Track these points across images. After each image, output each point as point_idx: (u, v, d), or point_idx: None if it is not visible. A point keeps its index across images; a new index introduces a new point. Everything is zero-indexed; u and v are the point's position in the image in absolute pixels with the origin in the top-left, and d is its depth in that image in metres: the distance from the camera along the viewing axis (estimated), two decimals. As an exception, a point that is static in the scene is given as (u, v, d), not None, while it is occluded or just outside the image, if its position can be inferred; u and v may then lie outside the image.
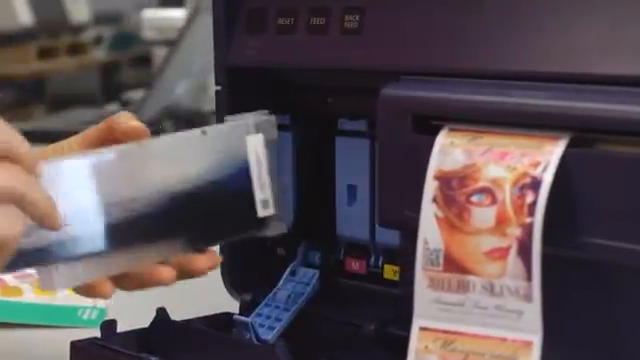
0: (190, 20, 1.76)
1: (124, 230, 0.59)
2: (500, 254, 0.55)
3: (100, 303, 0.88)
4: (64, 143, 0.68)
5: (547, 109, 0.56)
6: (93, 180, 0.58)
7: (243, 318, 0.70)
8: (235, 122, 0.66)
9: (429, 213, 0.58)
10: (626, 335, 0.55)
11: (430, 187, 0.58)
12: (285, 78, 0.75)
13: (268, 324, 0.72)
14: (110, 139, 0.64)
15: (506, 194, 0.55)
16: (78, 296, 0.63)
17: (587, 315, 0.56)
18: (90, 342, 0.66)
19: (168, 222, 0.61)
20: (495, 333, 0.55)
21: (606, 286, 0.56)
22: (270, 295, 0.74)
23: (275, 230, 0.67)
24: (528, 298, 0.54)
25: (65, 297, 0.83)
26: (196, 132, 0.64)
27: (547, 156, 0.55)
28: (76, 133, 2.08)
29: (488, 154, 0.57)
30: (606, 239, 0.54)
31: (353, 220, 0.73)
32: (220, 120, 0.76)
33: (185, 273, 0.63)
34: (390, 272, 0.73)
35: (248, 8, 0.73)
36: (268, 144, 0.66)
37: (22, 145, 0.53)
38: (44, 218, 0.53)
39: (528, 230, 0.54)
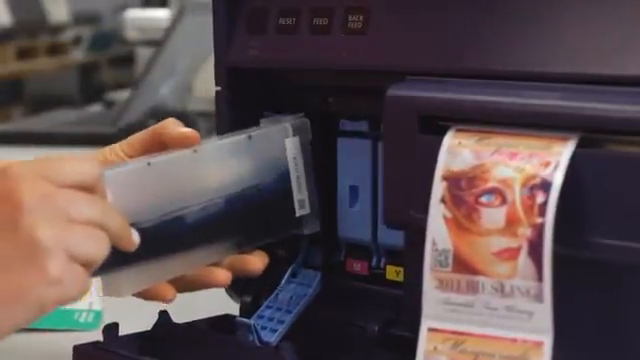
0: (176, 20, 1.75)
1: (181, 234, 0.62)
2: (510, 254, 0.55)
3: (96, 306, 0.87)
4: (107, 151, 0.69)
5: (556, 109, 0.56)
6: (153, 186, 0.60)
7: (245, 320, 0.70)
8: (275, 126, 0.69)
9: (437, 214, 0.57)
10: (636, 335, 0.55)
11: (438, 188, 0.58)
12: (286, 78, 0.74)
13: (270, 326, 0.71)
14: (156, 146, 0.66)
15: (516, 194, 0.55)
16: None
17: (596, 315, 0.56)
18: (92, 345, 0.66)
19: (219, 225, 0.64)
20: (505, 334, 0.55)
21: (616, 286, 0.56)
22: (271, 297, 0.74)
23: (310, 228, 0.71)
24: (539, 298, 0.54)
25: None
26: (242, 137, 0.68)
27: (556, 156, 0.55)
28: (60, 134, 2.05)
29: (497, 154, 0.57)
30: (615, 239, 0.54)
31: (355, 221, 0.73)
32: (220, 121, 0.76)
33: (239, 273, 0.67)
34: (393, 273, 0.72)
35: (249, 8, 0.73)
36: (304, 145, 0.70)
37: (96, 173, 0.56)
38: (119, 241, 0.56)
39: (539, 230, 0.54)
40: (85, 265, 0.53)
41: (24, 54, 4.47)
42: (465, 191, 0.57)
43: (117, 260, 0.56)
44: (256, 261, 0.67)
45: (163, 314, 0.69)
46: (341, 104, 0.73)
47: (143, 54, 2.45)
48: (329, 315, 0.72)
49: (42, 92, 4.53)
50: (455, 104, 0.59)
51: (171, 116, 2.11)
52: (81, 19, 4.92)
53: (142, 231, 0.58)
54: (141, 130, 1.96)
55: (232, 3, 0.73)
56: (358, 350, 0.69)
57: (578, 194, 0.55)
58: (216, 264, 0.66)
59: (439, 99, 0.60)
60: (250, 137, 0.67)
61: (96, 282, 0.60)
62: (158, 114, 1.88)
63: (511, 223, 0.55)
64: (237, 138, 0.68)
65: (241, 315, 0.75)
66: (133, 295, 0.64)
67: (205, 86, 2.09)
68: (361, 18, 0.67)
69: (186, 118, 1.86)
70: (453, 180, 0.57)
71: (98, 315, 0.86)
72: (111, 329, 0.66)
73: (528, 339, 0.54)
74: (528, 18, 0.61)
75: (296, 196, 0.69)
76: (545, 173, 0.54)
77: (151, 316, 0.73)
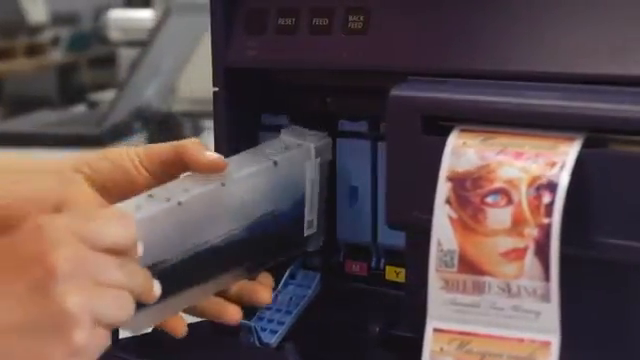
0: (161, 21, 1.74)
1: (199, 268, 0.61)
2: (517, 255, 0.55)
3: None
4: (122, 153, 0.66)
5: (561, 109, 0.56)
6: (180, 224, 0.60)
7: (246, 322, 0.69)
8: (298, 149, 0.68)
9: (442, 214, 0.57)
10: (642, 334, 0.56)
11: (443, 188, 0.58)
12: (284, 79, 0.74)
13: (270, 327, 0.71)
14: (177, 165, 0.64)
15: (522, 195, 0.55)
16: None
17: (602, 315, 0.56)
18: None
19: (235, 253, 0.64)
20: (512, 334, 0.55)
21: (622, 286, 0.56)
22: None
23: (314, 245, 0.71)
24: (546, 298, 0.54)
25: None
26: (268, 163, 0.66)
27: (562, 156, 0.55)
28: (45, 135, 2.03)
29: (502, 155, 0.56)
30: (621, 239, 0.54)
31: (354, 222, 0.73)
32: (217, 122, 0.75)
33: (247, 303, 0.67)
34: (392, 273, 0.72)
35: (246, 8, 0.72)
36: (322, 166, 0.70)
37: (133, 238, 0.55)
38: (142, 297, 0.56)
39: (546, 230, 0.54)
40: (108, 326, 0.53)
41: (2, 55, 4.43)
42: (470, 191, 0.57)
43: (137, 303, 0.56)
44: (264, 291, 0.67)
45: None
46: (340, 104, 0.73)
47: (125, 55, 2.43)
48: (329, 316, 0.72)
49: (20, 93, 4.50)
50: (460, 104, 0.59)
51: (156, 117, 2.08)
52: (59, 19, 4.89)
53: (164, 270, 0.58)
54: (125, 131, 1.94)
55: (230, 4, 0.73)
56: (359, 351, 0.69)
57: (583, 194, 0.55)
58: (224, 293, 0.66)
59: (443, 99, 0.60)
60: (276, 163, 0.66)
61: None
62: (143, 115, 1.87)
63: (517, 223, 0.55)
64: (264, 166, 0.66)
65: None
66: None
67: (189, 87, 2.09)
68: (362, 18, 0.67)
69: (171, 119, 1.86)
70: (458, 181, 0.57)
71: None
72: (112, 332, 0.65)
73: (535, 339, 0.55)
74: (530, 18, 0.61)
75: (307, 217, 0.69)
76: (551, 173, 0.54)
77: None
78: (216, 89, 0.74)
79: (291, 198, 0.67)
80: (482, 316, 0.56)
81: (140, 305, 0.56)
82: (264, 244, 0.66)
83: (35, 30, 4.69)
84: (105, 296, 0.53)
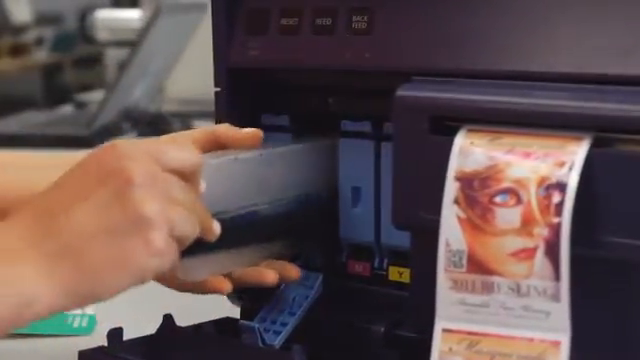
0: (150, 21, 1.73)
1: (250, 229, 0.66)
2: (526, 255, 0.55)
3: (89, 310, 0.86)
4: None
5: (569, 109, 0.56)
6: (235, 180, 0.65)
7: (249, 323, 0.69)
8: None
9: (451, 214, 0.57)
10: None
11: (451, 188, 0.58)
12: (286, 79, 0.74)
13: (273, 328, 0.71)
14: (212, 144, 0.69)
15: (531, 194, 0.55)
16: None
17: (612, 315, 0.57)
18: (98, 351, 0.65)
19: (279, 224, 0.68)
20: (522, 333, 0.55)
21: (631, 285, 0.56)
22: (273, 299, 0.73)
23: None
24: (556, 298, 0.54)
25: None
26: (300, 146, 0.71)
27: (571, 156, 0.55)
28: (30, 136, 2.01)
29: (510, 154, 0.57)
30: (629, 238, 0.54)
31: (357, 222, 0.72)
32: (220, 122, 0.75)
33: (280, 278, 0.70)
34: (395, 274, 0.72)
35: (248, 8, 0.72)
36: None
37: (198, 163, 0.60)
38: (203, 229, 0.59)
39: (556, 230, 0.54)
40: (179, 242, 0.57)
41: (-14, 55, 4.41)
42: (479, 191, 0.57)
43: (196, 246, 0.59)
44: (294, 269, 0.70)
45: (167, 318, 0.68)
46: (343, 105, 0.72)
47: (112, 55, 2.42)
48: (332, 317, 0.72)
49: (4, 93, 4.48)
50: (468, 105, 0.59)
51: (145, 117, 2.07)
52: (43, 19, 4.87)
53: (222, 221, 0.62)
54: (114, 132, 1.93)
55: (231, 3, 0.73)
56: (364, 351, 0.69)
57: (591, 193, 0.55)
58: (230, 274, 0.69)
59: (451, 99, 0.60)
60: (315, 145, 0.71)
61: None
62: (132, 115, 1.86)
63: (527, 223, 0.55)
64: (297, 147, 0.71)
65: (242, 318, 0.74)
66: (186, 290, 0.69)
67: (178, 87, 2.08)
68: (365, 18, 0.67)
69: (161, 119, 1.85)
70: (466, 180, 0.57)
71: (92, 320, 0.85)
72: (115, 334, 0.65)
73: (545, 339, 0.55)
74: (537, 17, 0.61)
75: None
76: (561, 173, 0.54)
77: (145, 319, 0.72)
78: (218, 89, 0.74)
79: (325, 186, 0.71)
80: (491, 316, 0.56)
81: (200, 251, 0.60)
82: (298, 226, 0.70)
83: (19, 30, 4.66)
84: (178, 211, 0.57)
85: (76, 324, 0.84)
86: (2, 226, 0.57)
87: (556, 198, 0.54)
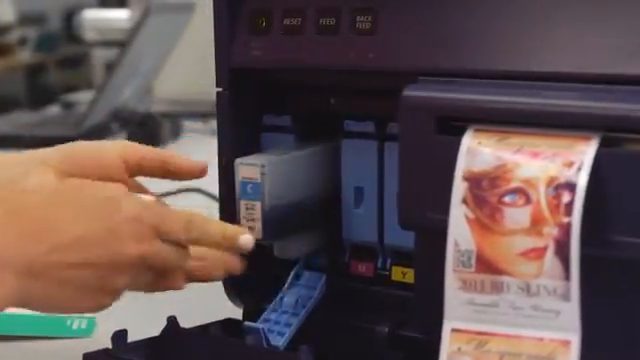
0: (140, 21, 1.72)
1: (310, 214, 0.73)
2: (536, 254, 0.55)
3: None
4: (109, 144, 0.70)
5: (577, 109, 0.56)
6: (292, 174, 0.72)
7: (254, 324, 0.69)
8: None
9: (459, 214, 0.57)
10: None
11: (459, 188, 0.58)
12: (289, 79, 0.74)
13: (277, 329, 0.71)
14: (156, 167, 0.70)
15: (540, 194, 0.55)
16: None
17: (622, 314, 0.57)
18: (103, 354, 0.64)
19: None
20: (532, 333, 0.55)
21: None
22: (276, 300, 0.73)
23: None
24: (566, 297, 0.54)
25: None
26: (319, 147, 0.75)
27: (580, 156, 0.55)
28: (20, 137, 1.99)
29: (519, 154, 0.57)
30: (638, 237, 0.54)
31: (360, 222, 0.72)
32: (222, 122, 0.75)
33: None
34: (399, 274, 0.72)
35: (250, 9, 0.72)
36: None
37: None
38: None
39: (566, 230, 0.54)
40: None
41: (-31, 55, 4.38)
42: (487, 191, 0.57)
43: (284, 231, 0.70)
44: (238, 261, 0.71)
45: (171, 319, 0.68)
46: (346, 105, 0.72)
47: (100, 55, 2.41)
48: (336, 317, 0.72)
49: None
50: (476, 105, 0.59)
51: (135, 118, 2.06)
52: (27, 20, 4.84)
53: (296, 204, 0.71)
54: (104, 132, 1.93)
55: (233, 3, 0.72)
56: (368, 352, 0.69)
57: (600, 193, 0.55)
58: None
59: (458, 100, 0.59)
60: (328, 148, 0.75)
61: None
62: (121, 116, 1.85)
63: (536, 223, 0.55)
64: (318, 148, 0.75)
65: (244, 319, 0.74)
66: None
67: (166, 87, 2.07)
68: (369, 18, 0.66)
69: (150, 120, 1.85)
70: (474, 180, 0.57)
71: (91, 322, 0.84)
72: (120, 336, 0.64)
73: (555, 338, 0.55)
74: (543, 17, 0.61)
75: None
76: (570, 173, 0.54)
77: (146, 322, 0.72)
78: (220, 89, 0.74)
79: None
80: (501, 316, 0.56)
81: (291, 233, 0.71)
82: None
83: (2, 30, 4.63)
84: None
85: (75, 326, 0.84)
86: None
87: (566, 198, 0.54)
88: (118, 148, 0.68)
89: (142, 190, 0.69)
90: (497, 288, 0.56)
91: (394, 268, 0.72)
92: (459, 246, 0.57)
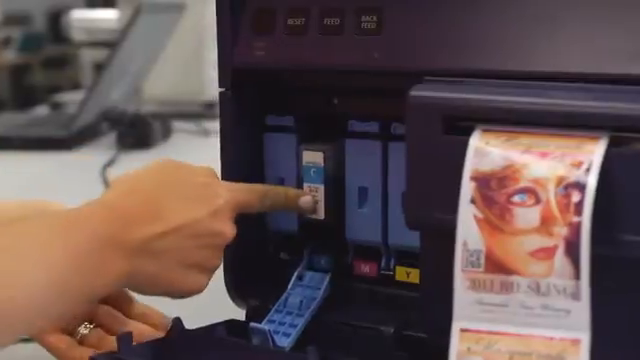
0: (130, 21, 1.72)
1: None
2: (546, 254, 0.55)
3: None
4: None
5: (586, 109, 0.56)
6: None
7: (260, 325, 0.69)
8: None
9: (468, 214, 0.57)
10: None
11: (467, 188, 0.58)
12: (292, 79, 0.74)
13: (283, 330, 0.70)
14: None
15: (550, 194, 0.55)
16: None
17: (631, 313, 0.57)
18: (108, 356, 0.64)
19: None
20: (542, 332, 0.55)
21: (648, 283, 0.56)
22: (280, 301, 0.73)
23: None
24: (576, 296, 0.54)
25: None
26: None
27: (589, 155, 0.55)
28: (9, 138, 1.97)
29: (527, 154, 0.57)
30: (647, 236, 0.55)
31: (364, 222, 0.72)
32: (224, 123, 0.74)
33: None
34: (403, 274, 0.72)
35: (254, 8, 0.72)
36: None
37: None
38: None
39: (576, 229, 0.54)
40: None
41: (-47, 56, 4.35)
42: (496, 191, 0.57)
43: None
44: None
45: (177, 321, 0.68)
46: (349, 105, 0.72)
47: (88, 55, 2.40)
48: (340, 318, 0.72)
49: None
50: (484, 105, 0.59)
51: (124, 118, 2.05)
52: (11, 20, 4.81)
53: None
54: (94, 133, 1.92)
55: (236, 3, 0.72)
56: (373, 352, 0.69)
57: (609, 192, 0.55)
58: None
59: (466, 100, 0.59)
60: None
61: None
62: (111, 117, 1.85)
63: (546, 222, 0.55)
64: None
65: (247, 320, 0.74)
66: None
67: (155, 87, 2.07)
68: (374, 18, 0.66)
69: (140, 120, 1.84)
70: (483, 180, 0.57)
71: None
72: (125, 338, 0.64)
73: (565, 337, 0.55)
74: (550, 17, 0.61)
75: None
76: (579, 173, 0.55)
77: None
78: (222, 89, 0.73)
79: None
80: (510, 315, 0.56)
81: None
82: None
83: (-14, 31, 4.61)
84: None
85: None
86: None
87: (575, 197, 0.54)
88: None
89: None
90: (507, 288, 0.56)
91: (398, 268, 0.72)
92: (468, 246, 0.57)
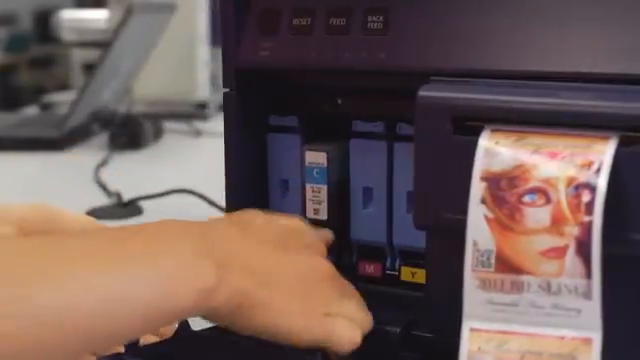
0: (122, 21, 1.71)
1: None
2: (557, 253, 0.55)
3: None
4: None
5: (597, 109, 0.56)
6: None
7: (265, 325, 0.68)
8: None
9: (478, 214, 0.57)
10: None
11: (478, 188, 0.58)
12: (297, 79, 0.73)
13: (288, 331, 0.70)
14: None
15: (560, 194, 0.55)
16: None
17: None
18: (115, 357, 0.63)
19: None
20: (553, 332, 0.55)
21: (658, 282, 0.57)
22: (285, 301, 0.73)
23: None
24: (587, 296, 0.54)
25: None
26: None
27: (599, 155, 0.55)
28: (7, 138, 1.95)
29: (537, 155, 0.57)
30: (657, 236, 0.55)
31: (369, 223, 0.72)
32: (229, 123, 0.74)
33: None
34: (408, 274, 0.72)
35: (258, 8, 0.72)
36: None
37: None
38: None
39: (587, 228, 0.54)
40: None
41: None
42: (506, 191, 0.57)
43: None
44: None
45: (183, 321, 0.67)
46: (354, 105, 0.72)
47: (78, 56, 2.39)
48: (345, 318, 0.71)
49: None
50: (494, 105, 0.59)
51: (116, 118, 2.05)
52: (-4, 20, 4.79)
53: None
54: (85, 133, 1.91)
55: (241, 3, 0.72)
56: (381, 353, 0.68)
57: (619, 192, 0.55)
58: None
59: (474, 100, 0.60)
60: None
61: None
62: (102, 117, 1.84)
63: (557, 222, 0.55)
64: None
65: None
66: None
67: (146, 88, 2.06)
68: (381, 18, 0.66)
69: (131, 120, 1.83)
70: (493, 180, 0.57)
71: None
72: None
73: (576, 336, 0.55)
74: (556, 17, 0.61)
75: None
76: (590, 173, 0.55)
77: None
78: (226, 90, 0.73)
79: None
80: (521, 315, 0.56)
81: None
82: None
83: (-28, 31, 4.58)
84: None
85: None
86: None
87: (586, 197, 0.54)
88: None
89: None
90: (517, 287, 0.56)
91: (403, 268, 0.72)
92: (478, 246, 0.57)
